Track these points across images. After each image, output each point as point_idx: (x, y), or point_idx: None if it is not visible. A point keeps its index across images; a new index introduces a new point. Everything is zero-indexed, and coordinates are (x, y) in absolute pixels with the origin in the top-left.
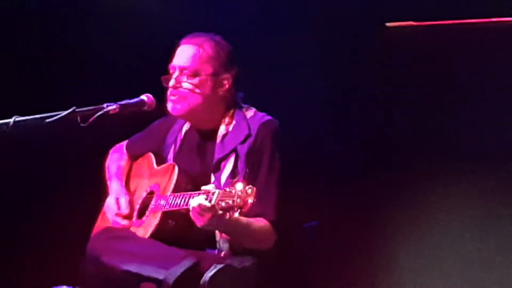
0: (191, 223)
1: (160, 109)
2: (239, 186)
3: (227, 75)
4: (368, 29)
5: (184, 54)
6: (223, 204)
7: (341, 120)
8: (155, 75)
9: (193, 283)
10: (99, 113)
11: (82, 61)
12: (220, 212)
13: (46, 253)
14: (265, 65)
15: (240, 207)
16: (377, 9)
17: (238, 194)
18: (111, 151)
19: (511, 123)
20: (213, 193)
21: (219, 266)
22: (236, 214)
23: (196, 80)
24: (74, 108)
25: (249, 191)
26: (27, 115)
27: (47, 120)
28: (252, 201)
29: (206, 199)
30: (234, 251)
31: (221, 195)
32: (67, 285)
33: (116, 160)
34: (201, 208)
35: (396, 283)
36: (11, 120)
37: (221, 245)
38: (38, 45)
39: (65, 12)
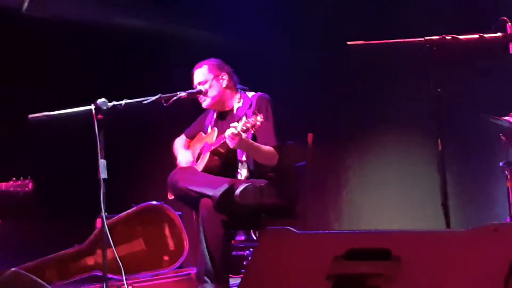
0: (227, 159)
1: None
2: (252, 118)
3: (223, 73)
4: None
5: (197, 75)
6: (244, 128)
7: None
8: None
9: (230, 196)
10: (175, 97)
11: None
12: (243, 134)
13: (147, 178)
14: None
15: (253, 125)
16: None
17: (250, 120)
18: (175, 140)
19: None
20: (236, 125)
21: (245, 185)
22: (252, 132)
23: (207, 84)
24: (160, 95)
25: (259, 117)
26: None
27: (144, 102)
28: (261, 120)
29: (233, 128)
30: (252, 175)
31: (242, 123)
32: (157, 201)
33: (180, 143)
34: (232, 133)
35: (350, 195)
36: (122, 102)
37: (241, 170)
38: None
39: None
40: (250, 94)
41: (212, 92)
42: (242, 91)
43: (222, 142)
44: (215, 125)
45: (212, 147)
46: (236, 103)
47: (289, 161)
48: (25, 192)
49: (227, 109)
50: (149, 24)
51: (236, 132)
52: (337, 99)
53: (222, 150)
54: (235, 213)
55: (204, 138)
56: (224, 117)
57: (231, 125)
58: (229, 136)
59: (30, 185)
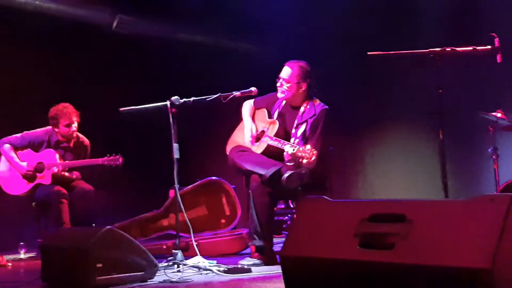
0: (279, 150)
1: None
2: (308, 147)
3: (303, 83)
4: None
5: (285, 71)
6: (299, 154)
7: (348, 103)
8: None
9: (278, 178)
10: (231, 96)
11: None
12: (297, 157)
13: (209, 158)
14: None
15: (307, 159)
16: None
17: (306, 151)
18: (244, 103)
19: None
20: (295, 147)
21: (291, 171)
22: (304, 161)
23: (289, 84)
24: (219, 93)
25: (314, 151)
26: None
27: (208, 99)
28: (314, 158)
29: (292, 149)
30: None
31: (298, 150)
32: (216, 176)
33: (247, 107)
34: (288, 152)
35: (367, 174)
36: (191, 99)
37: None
38: None
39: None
40: (316, 102)
41: (288, 92)
42: (311, 99)
43: (279, 147)
44: (280, 113)
45: (270, 142)
46: (303, 107)
47: (324, 153)
48: (116, 165)
49: (295, 105)
50: (206, 39)
51: (292, 153)
52: (356, 98)
53: (277, 147)
54: (278, 190)
55: (266, 122)
56: (290, 111)
57: (292, 143)
58: (286, 152)
59: (120, 160)
